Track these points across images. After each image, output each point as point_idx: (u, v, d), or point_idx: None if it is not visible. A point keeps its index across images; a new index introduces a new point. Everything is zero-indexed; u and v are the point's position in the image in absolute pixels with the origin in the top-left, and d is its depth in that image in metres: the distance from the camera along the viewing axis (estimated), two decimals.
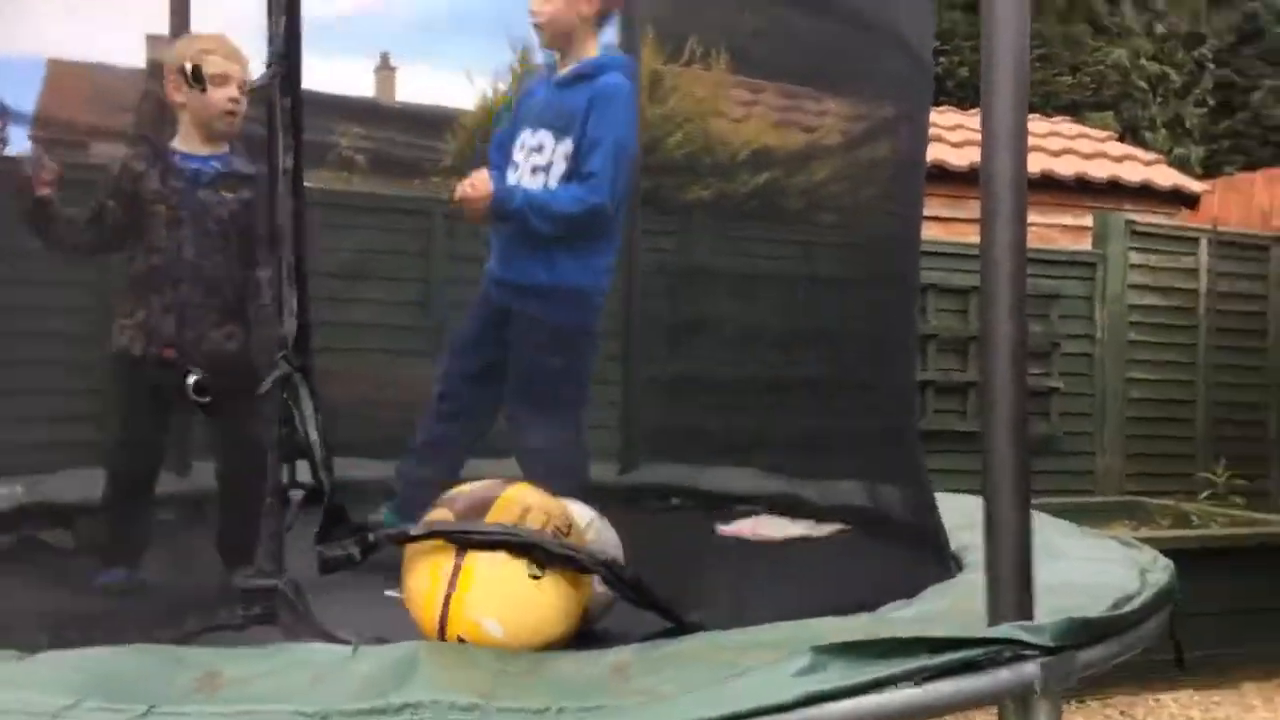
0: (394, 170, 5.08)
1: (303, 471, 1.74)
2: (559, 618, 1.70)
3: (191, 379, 2.12)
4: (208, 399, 2.11)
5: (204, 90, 2.31)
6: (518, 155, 2.75)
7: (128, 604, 1.67)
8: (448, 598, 1.64)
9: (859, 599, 1.94)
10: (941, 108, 8.67)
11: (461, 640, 1.64)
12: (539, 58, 3.78)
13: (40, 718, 1.29)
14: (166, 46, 2.85)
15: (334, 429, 1.67)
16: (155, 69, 4.17)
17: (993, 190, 1.62)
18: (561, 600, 1.69)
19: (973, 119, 8.33)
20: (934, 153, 7.11)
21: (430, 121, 5.21)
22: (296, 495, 1.62)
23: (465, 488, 1.79)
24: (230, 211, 2.31)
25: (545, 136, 2.69)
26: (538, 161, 2.69)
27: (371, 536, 1.62)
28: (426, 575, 1.68)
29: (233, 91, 2.35)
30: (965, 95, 10.22)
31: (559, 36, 2.74)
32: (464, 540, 1.64)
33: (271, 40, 1.58)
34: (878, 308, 2.76)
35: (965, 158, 7.47)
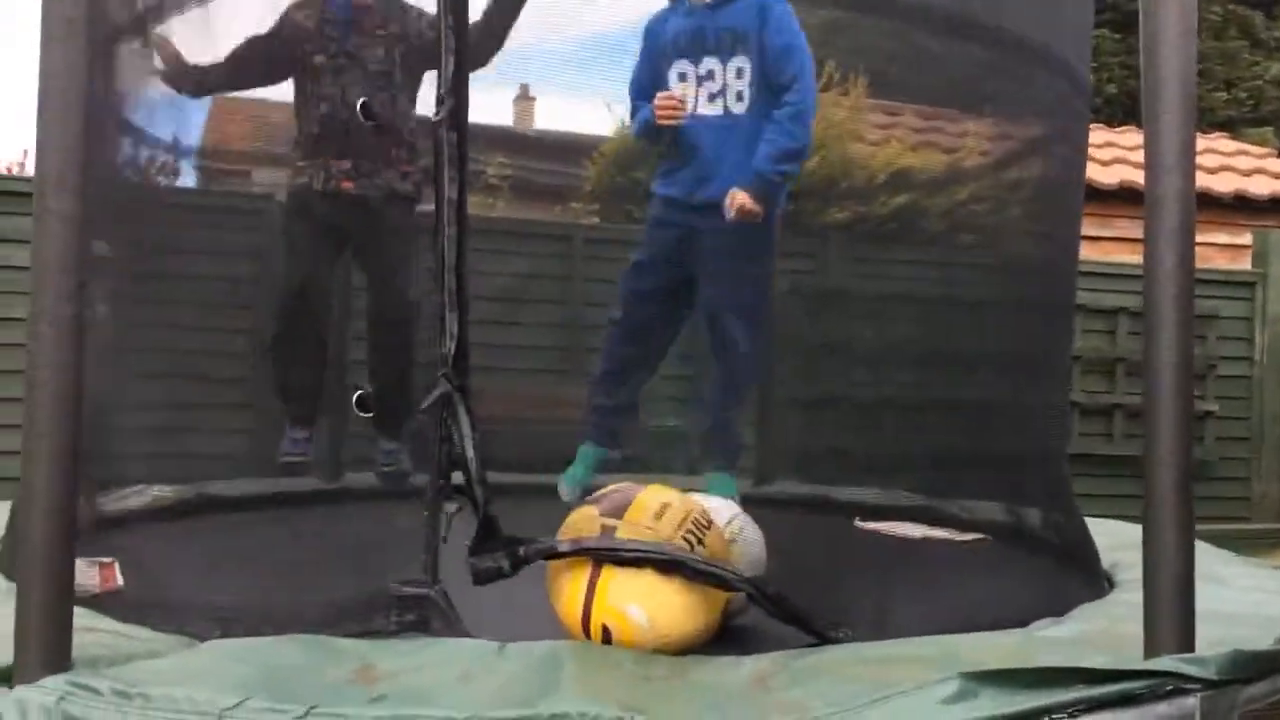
0: (537, 197, 5.20)
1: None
2: (702, 608, 1.71)
3: (357, 394, 2.23)
4: (370, 414, 2.20)
5: None
6: (680, 88, 2.86)
7: (294, 602, 1.76)
8: (592, 584, 1.68)
9: (1005, 612, 1.90)
10: (1090, 126, 8.41)
11: (606, 629, 1.67)
12: None
13: (206, 715, 1.36)
14: None
15: (489, 446, 1.73)
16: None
17: (1158, 213, 1.57)
18: (705, 591, 1.71)
19: (1122, 136, 8.07)
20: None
21: (570, 149, 5.32)
22: (451, 508, 1.67)
23: (610, 487, 1.84)
24: (386, 50, 2.37)
25: (711, 63, 2.82)
26: (711, 89, 2.83)
27: (522, 550, 1.67)
28: (570, 565, 1.72)
29: None
30: (1113, 113, 9.91)
31: None
32: (611, 557, 1.68)
33: (440, 78, 1.66)
34: (1030, 329, 2.71)
35: (1114, 176, 7.25)
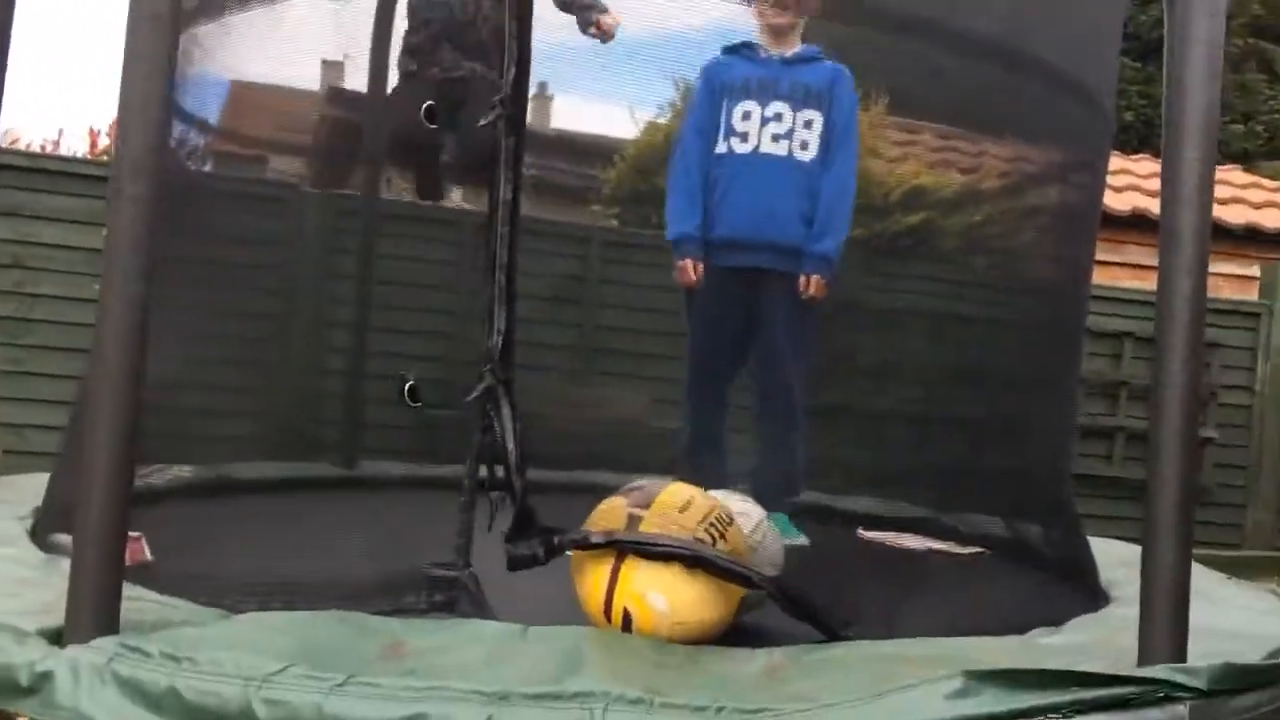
0: (557, 198, 5.27)
1: None
2: (720, 598, 1.79)
3: (408, 383, 2.30)
4: (419, 403, 2.28)
5: None
6: (743, 125, 2.95)
7: (326, 579, 1.83)
8: (615, 571, 1.75)
9: (1004, 621, 1.98)
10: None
11: (627, 614, 1.75)
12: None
13: (251, 680, 1.44)
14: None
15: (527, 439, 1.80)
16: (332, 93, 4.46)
17: (1173, 246, 1.64)
18: (723, 585, 1.79)
19: (1136, 164, 8.13)
20: None
21: (593, 151, 5.39)
22: (494, 496, 1.75)
23: (637, 482, 1.92)
24: None
25: (781, 107, 2.93)
26: (777, 130, 2.93)
27: (556, 540, 1.74)
28: (595, 554, 1.79)
29: None
30: (1129, 140, 9.96)
31: (791, 23, 3.03)
32: (640, 552, 1.75)
33: (501, 85, 1.73)
34: (1040, 349, 2.78)
35: (1126, 203, 7.31)
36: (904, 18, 2.86)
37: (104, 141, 8.12)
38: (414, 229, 4.62)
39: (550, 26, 3.20)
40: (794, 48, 3.03)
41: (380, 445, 3.98)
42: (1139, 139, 9.95)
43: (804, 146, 2.94)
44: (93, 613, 1.52)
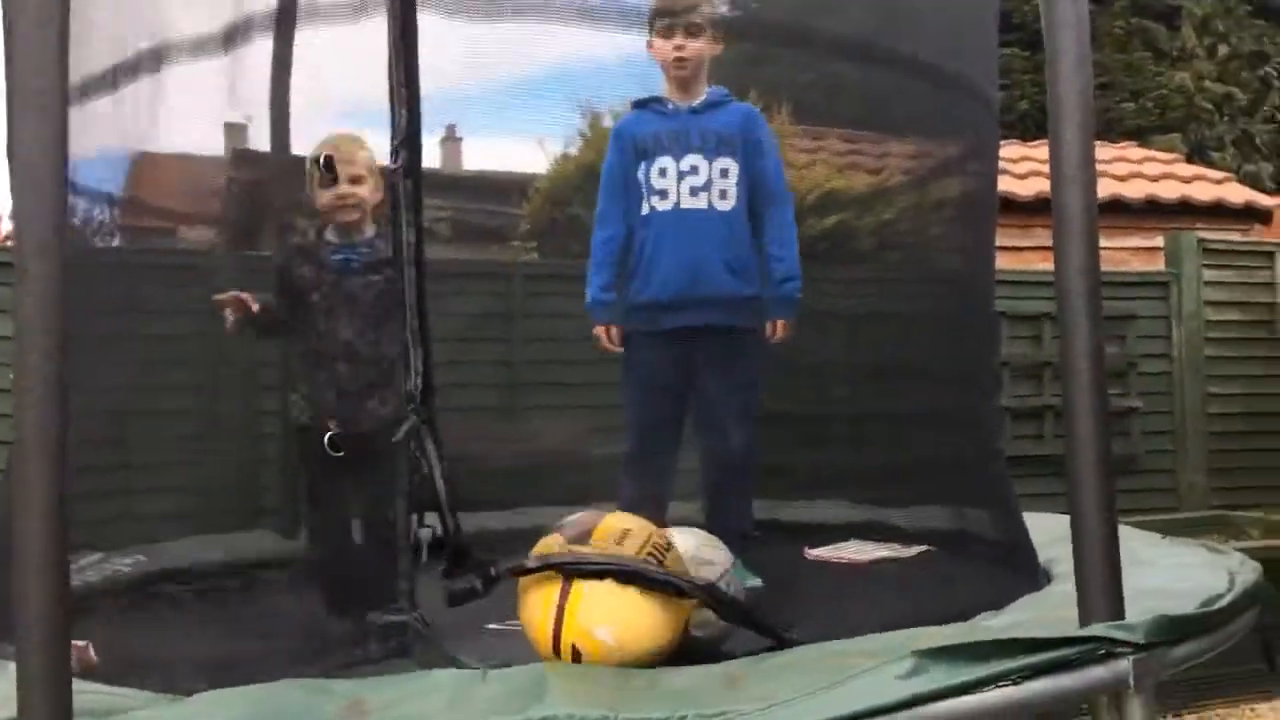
0: (474, 237, 5.29)
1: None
2: (666, 624, 1.82)
3: (327, 436, 2.31)
4: (341, 454, 2.28)
5: (335, 181, 2.55)
6: (661, 182, 2.91)
7: (274, 644, 1.82)
8: (560, 609, 1.78)
9: (950, 611, 2.02)
10: (1005, 141, 8.71)
11: (575, 649, 1.77)
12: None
13: None
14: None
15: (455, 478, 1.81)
16: (238, 157, 4.43)
17: (1064, 219, 1.72)
18: (667, 608, 1.82)
19: (1036, 150, 8.36)
20: (1000, 184, 7.14)
21: (504, 188, 5.41)
22: (425, 535, 1.76)
23: (572, 517, 1.93)
24: (377, 293, 2.53)
25: (695, 159, 2.89)
26: (694, 183, 2.90)
27: (493, 570, 1.75)
28: (540, 593, 1.81)
29: (360, 188, 2.62)
30: (1026, 128, 10.24)
31: (698, 71, 2.98)
32: (575, 570, 1.78)
33: (394, 129, 1.76)
34: (956, 336, 2.85)
35: (1031, 188, 7.51)
36: (778, 27, 2.91)
37: (7, 227, 7.95)
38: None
39: (448, 76, 3.20)
40: (700, 95, 2.99)
41: None
42: (1036, 125, 10.23)
43: (723, 196, 2.90)
44: (44, 711, 1.48)
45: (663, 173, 2.92)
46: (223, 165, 4.47)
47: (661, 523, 2.23)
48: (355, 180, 2.62)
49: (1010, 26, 9.92)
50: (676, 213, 2.90)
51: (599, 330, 3.00)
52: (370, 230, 2.67)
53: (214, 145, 4.20)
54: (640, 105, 3.06)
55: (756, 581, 2.63)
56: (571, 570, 1.78)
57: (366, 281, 2.57)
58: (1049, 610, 1.99)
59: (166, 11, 3.31)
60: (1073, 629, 1.69)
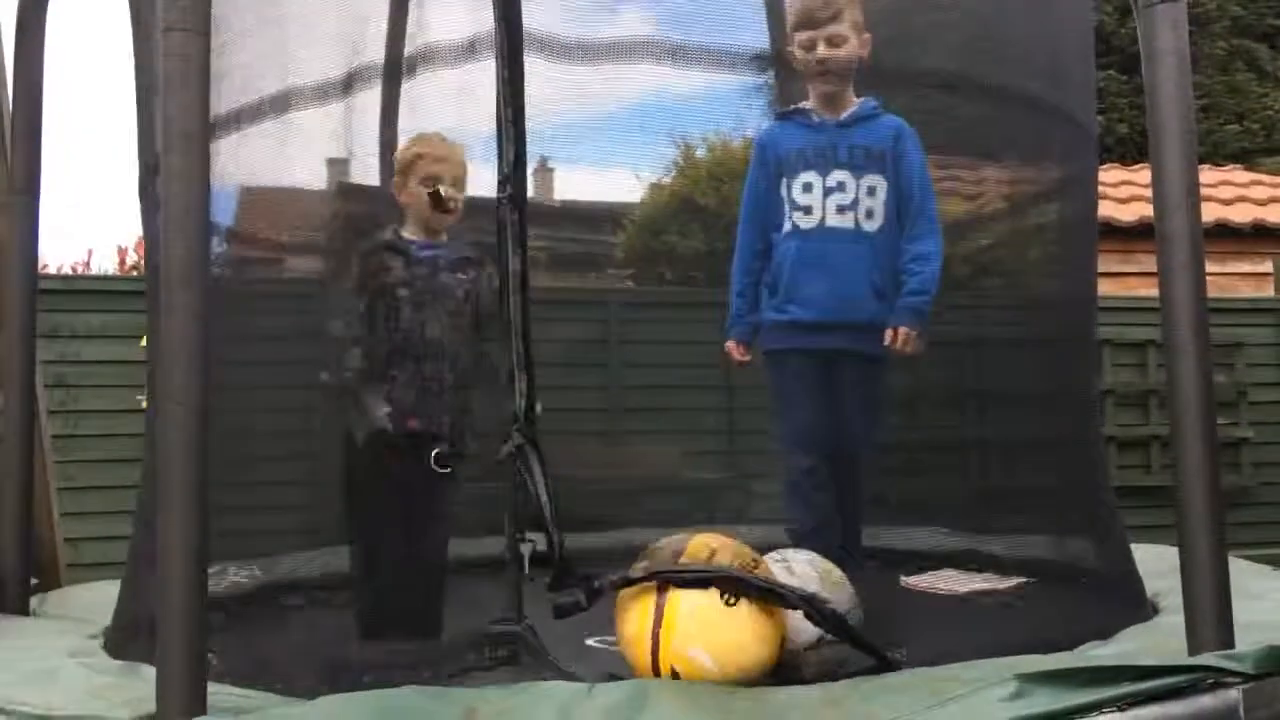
0: (571, 266, 5.39)
1: None
2: (760, 639, 1.84)
3: (435, 451, 2.37)
4: (449, 469, 2.35)
5: (446, 211, 2.60)
6: (805, 199, 2.79)
7: (394, 655, 1.89)
8: (655, 635, 1.81)
9: (1054, 641, 2.01)
10: (1105, 165, 8.58)
11: (675, 673, 1.80)
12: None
13: None
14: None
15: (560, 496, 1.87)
16: (343, 190, 4.60)
17: (1169, 246, 1.71)
18: (759, 623, 1.84)
19: (1137, 174, 8.21)
20: (1101, 210, 7.03)
21: (600, 217, 5.51)
22: (528, 549, 1.82)
23: (664, 540, 1.97)
24: (464, 291, 2.57)
25: (842, 175, 2.76)
26: (841, 201, 2.77)
27: (596, 583, 1.80)
28: (635, 617, 1.85)
29: (461, 191, 2.63)
30: (1126, 151, 10.06)
31: (843, 83, 2.83)
32: (680, 580, 1.82)
33: (501, 162, 1.84)
34: (1057, 365, 2.81)
35: (1132, 213, 7.38)
36: (874, 56, 2.88)
37: (132, 258, 8.34)
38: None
39: (545, 110, 3.26)
40: (848, 107, 2.85)
41: None
42: (1136, 149, 10.05)
43: (869, 215, 2.77)
44: (181, 703, 1.58)
45: (807, 188, 2.79)
46: (327, 199, 4.66)
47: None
48: (456, 181, 2.63)
49: (1107, 49, 9.78)
50: (821, 231, 2.78)
51: (729, 345, 2.91)
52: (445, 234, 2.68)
53: (318, 180, 4.38)
54: (783, 117, 2.94)
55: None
56: (674, 581, 1.81)
57: (455, 279, 2.59)
58: (1157, 640, 1.97)
59: (284, 53, 3.47)
60: (1182, 658, 1.68)
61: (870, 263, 2.76)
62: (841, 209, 2.76)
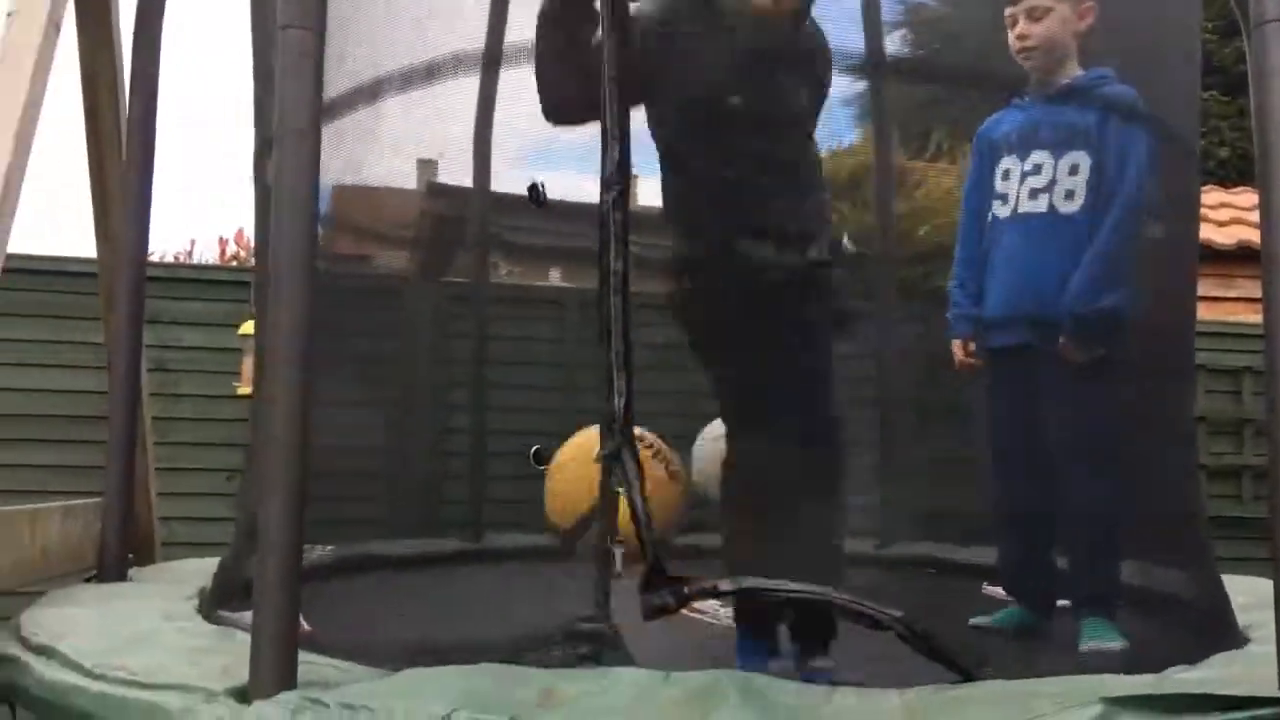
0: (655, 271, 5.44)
1: None
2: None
3: (534, 449, 2.43)
4: (544, 465, 2.40)
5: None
6: (1003, 186, 2.66)
7: (476, 638, 1.94)
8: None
9: (1138, 664, 1.98)
10: (1205, 187, 8.37)
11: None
12: None
13: None
14: None
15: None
16: (432, 190, 4.69)
17: (1275, 270, 1.68)
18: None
19: (1238, 197, 8.01)
20: (1200, 232, 6.88)
21: None
22: (619, 550, 1.85)
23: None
24: None
25: (1041, 157, 2.61)
26: (1035, 184, 2.60)
27: (686, 589, 1.82)
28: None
29: None
30: (1227, 174, 9.81)
31: (1051, 58, 2.66)
32: (773, 597, 1.83)
33: (605, 164, 1.88)
34: (1152, 390, 2.74)
35: (1232, 236, 7.20)
36: (963, 69, 2.81)
37: (232, 249, 8.62)
38: (521, 310, 4.84)
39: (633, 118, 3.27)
40: (1064, 78, 2.65)
41: (503, 518, 4.12)
42: (1237, 172, 9.78)
43: (1069, 196, 2.56)
44: (274, 671, 1.64)
45: (1006, 175, 2.66)
46: (417, 197, 4.77)
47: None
48: None
49: (1210, 69, 9.54)
50: (1014, 218, 2.63)
51: (955, 345, 2.79)
52: None
53: (407, 179, 4.49)
54: (1005, 103, 2.80)
55: (1120, 643, 2.46)
56: (770, 597, 1.83)
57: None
58: (1246, 669, 1.93)
59: (379, 51, 3.56)
60: (1271, 689, 1.64)
61: (1067, 246, 2.54)
62: (1035, 193, 2.60)
